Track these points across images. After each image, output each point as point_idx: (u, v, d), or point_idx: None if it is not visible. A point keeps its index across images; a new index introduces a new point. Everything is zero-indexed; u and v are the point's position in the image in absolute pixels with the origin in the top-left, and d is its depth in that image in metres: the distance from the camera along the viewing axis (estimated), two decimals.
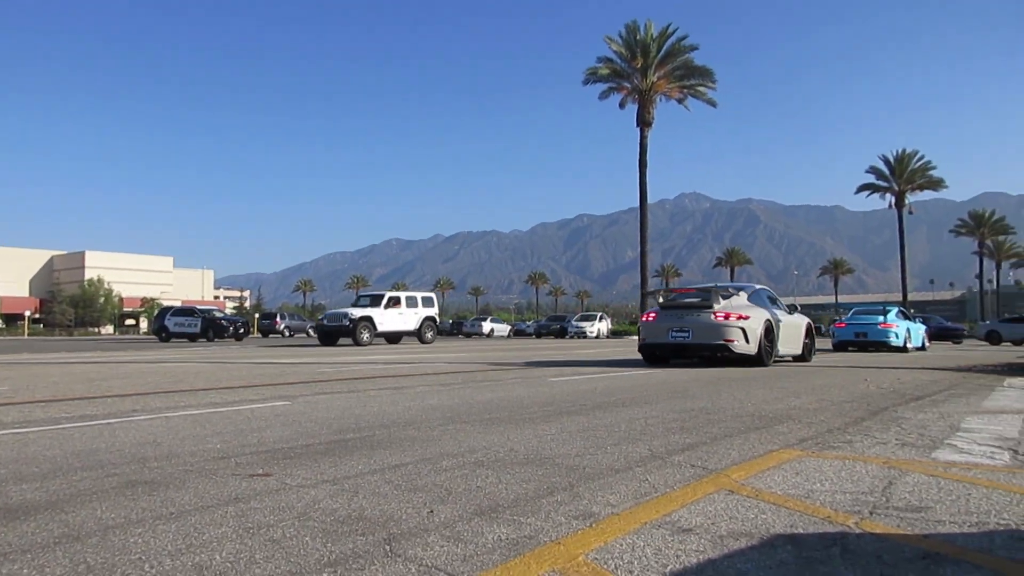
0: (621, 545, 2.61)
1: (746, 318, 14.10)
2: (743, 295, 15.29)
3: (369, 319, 28.77)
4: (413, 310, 31.20)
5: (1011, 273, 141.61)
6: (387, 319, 29.71)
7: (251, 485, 3.53)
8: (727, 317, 14.07)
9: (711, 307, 14.34)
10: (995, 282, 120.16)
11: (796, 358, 16.63)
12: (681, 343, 14.43)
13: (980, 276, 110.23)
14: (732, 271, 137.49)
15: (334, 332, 29.07)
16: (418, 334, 31.27)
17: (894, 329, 24.52)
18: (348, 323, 28.30)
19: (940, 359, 18.63)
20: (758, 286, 16.43)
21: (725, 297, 14.88)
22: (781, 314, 15.82)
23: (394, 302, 30.48)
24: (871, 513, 3.06)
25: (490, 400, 7.57)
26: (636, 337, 48.61)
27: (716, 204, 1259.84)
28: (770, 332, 14.59)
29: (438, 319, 32.99)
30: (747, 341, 13.96)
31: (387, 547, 2.58)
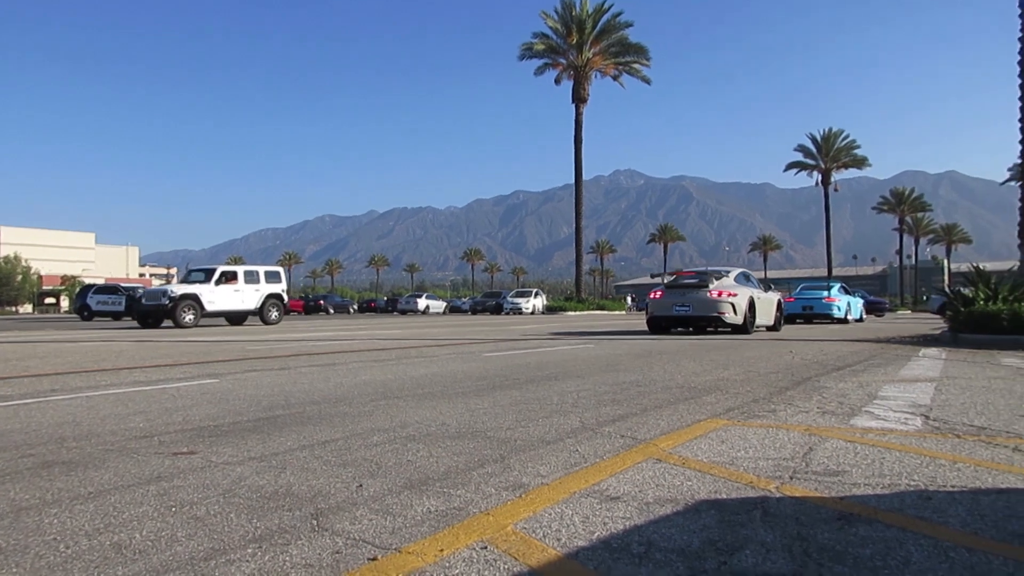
0: (550, 514, 2.64)
1: (734, 295, 17.00)
2: (731, 276, 18.08)
3: (194, 297, 24.82)
4: (253, 286, 27.11)
5: (928, 248, 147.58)
6: (219, 297, 25.80)
7: (175, 463, 3.44)
8: (720, 294, 16.96)
9: (707, 286, 17.26)
10: (914, 257, 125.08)
11: (769, 328, 19.16)
12: (683, 315, 17.44)
13: (900, 251, 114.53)
14: (666, 247, 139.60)
15: (152, 312, 24.55)
16: (260, 314, 27.34)
17: (837, 303, 27.07)
18: (167, 302, 24.10)
19: (862, 331, 19.37)
20: (740, 269, 19.31)
21: (717, 278, 17.74)
22: (758, 292, 18.47)
23: (229, 277, 26.49)
24: (791, 478, 3.16)
25: (423, 375, 7.55)
26: (571, 313, 49.02)
27: (650, 181, 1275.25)
28: (752, 306, 17.45)
29: (285, 296, 29.13)
30: (735, 313, 16.83)
31: (314, 522, 2.55)
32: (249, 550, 2.27)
